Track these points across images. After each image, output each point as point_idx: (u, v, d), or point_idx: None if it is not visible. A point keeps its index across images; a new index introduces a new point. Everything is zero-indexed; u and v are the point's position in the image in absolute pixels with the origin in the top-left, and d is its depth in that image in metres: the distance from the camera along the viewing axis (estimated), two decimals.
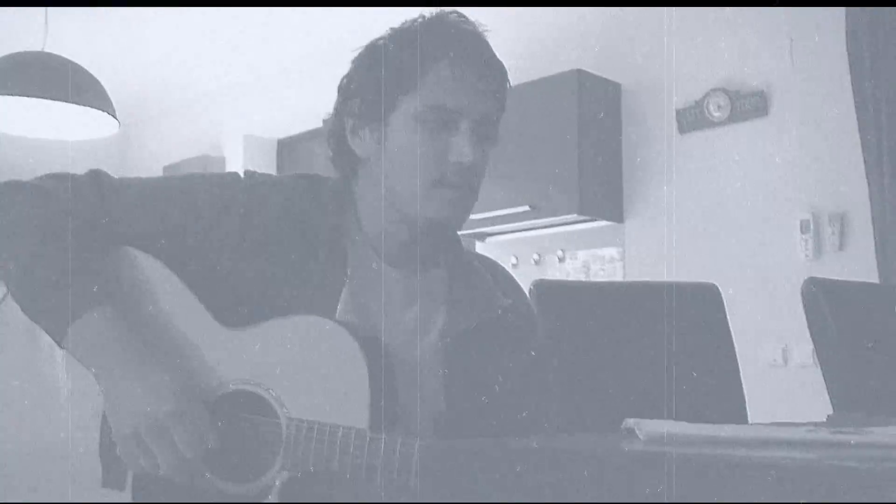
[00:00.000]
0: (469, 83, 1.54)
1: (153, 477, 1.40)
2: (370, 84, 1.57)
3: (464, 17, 1.61)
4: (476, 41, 1.59)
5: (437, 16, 1.59)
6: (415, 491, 1.31)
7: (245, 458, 1.42)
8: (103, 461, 1.47)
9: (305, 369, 1.42)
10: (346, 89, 1.61)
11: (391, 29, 1.60)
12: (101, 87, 4.05)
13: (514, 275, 1.80)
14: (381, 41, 1.59)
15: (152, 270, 1.51)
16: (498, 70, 1.62)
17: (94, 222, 1.52)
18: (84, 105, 3.99)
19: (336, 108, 1.63)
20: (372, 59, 1.58)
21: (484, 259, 1.79)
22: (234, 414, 1.43)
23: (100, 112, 4.06)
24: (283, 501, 1.39)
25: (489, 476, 1.05)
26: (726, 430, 1.12)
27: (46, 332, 1.44)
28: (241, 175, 1.61)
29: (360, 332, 1.43)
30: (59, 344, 1.43)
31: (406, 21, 1.59)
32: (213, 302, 1.50)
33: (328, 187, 1.62)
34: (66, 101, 3.94)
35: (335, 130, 1.63)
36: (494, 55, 1.62)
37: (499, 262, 1.84)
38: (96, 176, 1.58)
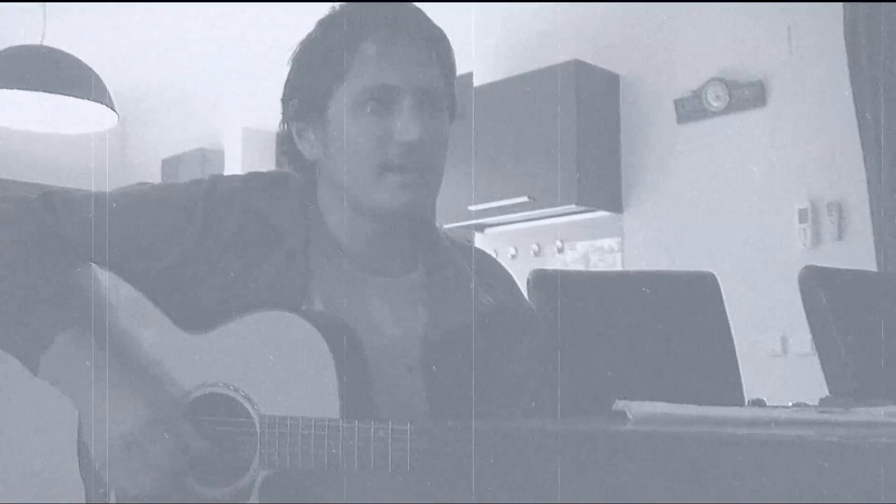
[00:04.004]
0: (401, 56, 1.46)
1: (132, 499, 1.37)
2: (303, 82, 1.52)
3: None
4: (403, 11, 1.50)
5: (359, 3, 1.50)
6: (409, 477, 1.30)
7: (222, 460, 1.40)
8: (84, 478, 1.45)
9: (270, 364, 1.40)
10: (285, 92, 1.55)
11: (318, 21, 1.52)
12: (100, 80, 4.05)
13: (513, 266, 1.71)
14: (311, 35, 1.52)
15: (111, 285, 1.48)
16: (433, 36, 1.50)
17: (51, 243, 1.48)
18: (83, 98, 3.99)
19: (282, 115, 1.57)
20: (302, 56, 1.52)
21: (471, 251, 1.70)
22: (205, 418, 1.41)
23: (99, 105, 4.07)
24: (266, 499, 1.38)
25: (480, 458, 1.06)
26: (714, 411, 1.13)
27: (19, 359, 1.41)
28: (205, 181, 1.54)
29: (323, 321, 1.40)
30: (33, 372, 1.40)
31: (334, 8, 1.52)
32: (175, 310, 1.46)
33: (292, 185, 1.56)
34: (64, 95, 3.94)
35: (285, 138, 1.57)
36: (428, 21, 1.51)
37: (496, 253, 1.77)
38: (49, 196, 1.52)
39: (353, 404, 1.38)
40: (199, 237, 1.48)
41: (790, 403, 1.30)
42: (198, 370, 1.43)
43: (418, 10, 1.52)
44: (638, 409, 1.07)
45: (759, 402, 1.33)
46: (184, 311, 1.46)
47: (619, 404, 1.12)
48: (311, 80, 1.51)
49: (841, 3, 4.08)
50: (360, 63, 1.46)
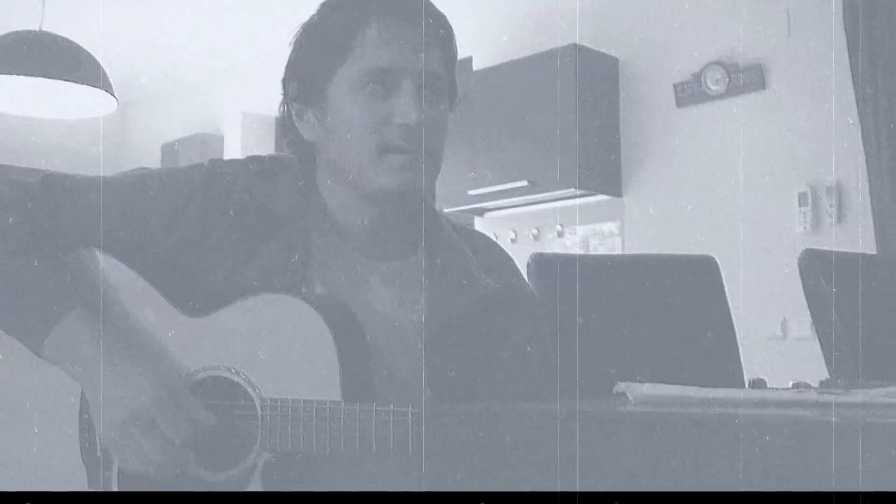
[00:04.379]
0: (403, 39, 1.46)
1: (138, 475, 1.38)
2: (304, 63, 1.53)
3: None
4: None
5: None
6: (411, 459, 1.31)
7: (224, 444, 1.40)
8: (86, 464, 1.46)
9: (271, 347, 1.40)
10: (286, 73, 1.56)
11: (321, 4, 1.53)
12: (99, 65, 4.04)
13: (512, 250, 1.70)
14: (313, 17, 1.53)
15: (111, 269, 1.48)
16: (436, 21, 1.51)
17: (51, 228, 1.49)
18: (82, 83, 3.98)
19: (283, 96, 1.57)
20: (304, 38, 1.53)
21: (472, 235, 1.71)
22: (207, 401, 1.41)
23: (98, 90, 4.06)
24: (268, 482, 1.38)
25: (482, 441, 1.07)
26: (715, 392, 1.14)
27: (22, 342, 1.42)
28: (204, 165, 1.55)
29: (323, 304, 1.41)
30: (37, 354, 1.40)
31: None
32: (176, 294, 1.46)
33: (291, 169, 1.56)
34: (64, 80, 3.94)
35: (284, 119, 1.58)
36: (431, 6, 1.52)
37: (496, 237, 1.77)
38: (49, 180, 1.52)
39: (355, 387, 1.38)
40: (199, 222, 1.49)
41: (790, 383, 1.30)
42: (199, 353, 1.43)
43: None
44: (639, 390, 1.08)
45: (759, 383, 1.34)
46: (185, 295, 1.47)
47: (621, 386, 1.12)
48: (313, 61, 1.51)
49: None
50: (361, 45, 1.47)
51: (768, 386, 1.32)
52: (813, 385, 1.32)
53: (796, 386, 1.30)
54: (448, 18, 1.55)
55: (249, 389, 1.40)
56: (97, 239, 1.50)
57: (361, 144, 1.47)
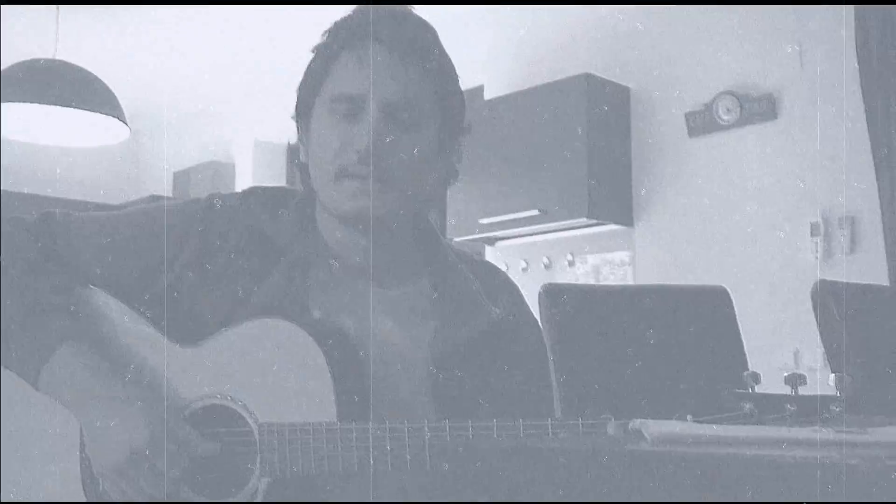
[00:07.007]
0: (376, 67, 1.46)
1: None
2: (299, 88, 1.56)
3: (397, 7, 1.53)
4: (393, 24, 1.50)
5: (360, 9, 1.52)
6: (408, 481, 1.31)
7: (224, 472, 1.41)
8: (88, 497, 1.46)
9: (264, 373, 1.41)
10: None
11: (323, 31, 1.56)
12: (112, 93, 4.07)
13: (523, 279, 1.71)
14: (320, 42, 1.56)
15: (106, 304, 1.50)
16: (415, 46, 1.50)
17: (49, 264, 1.50)
18: (95, 112, 4.01)
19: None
20: (309, 63, 1.56)
21: (476, 262, 1.70)
22: (204, 430, 1.42)
23: (111, 118, 4.09)
24: None
25: (487, 474, 1.06)
26: (731, 430, 1.13)
27: (19, 375, 1.43)
28: (202, 201, 1.56)
29: (316, 327, 1.41)
30: (34, 386, 1.42)
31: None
32: (171, 325, 1.47)
33: (291, 201, 1.57)
34: (77, 108, 3.97)
35: (295, 146, 1.61)
36: (416, 30, 1.52)
37: (507, 266, 1.76)
38: (48, 218, 1.54)
39: (351, 408, 1.38)
40: (196, 257, 1.49)
41: (784, 374, 1.30)
42: (194, 382, 1.44)
43: (408, 18, 1.53)
44: (655, 428, 1.07)
45: (754, 377, 1.33)
46: (180, 327, 1.47)
47: (636, 423, 1.11)
48: (303, 86, 1.55)
49: (852, 16, 4.08)
50: (336, 72, 1.49)
51: (762, 380, 1.32)
52: (805, 374, 1.31)
53: (790, 379, 1.29)
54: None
55: (246, 416, 1.41)
56: (93, 275, 1.51)
57: (324, 169, 1.49)
